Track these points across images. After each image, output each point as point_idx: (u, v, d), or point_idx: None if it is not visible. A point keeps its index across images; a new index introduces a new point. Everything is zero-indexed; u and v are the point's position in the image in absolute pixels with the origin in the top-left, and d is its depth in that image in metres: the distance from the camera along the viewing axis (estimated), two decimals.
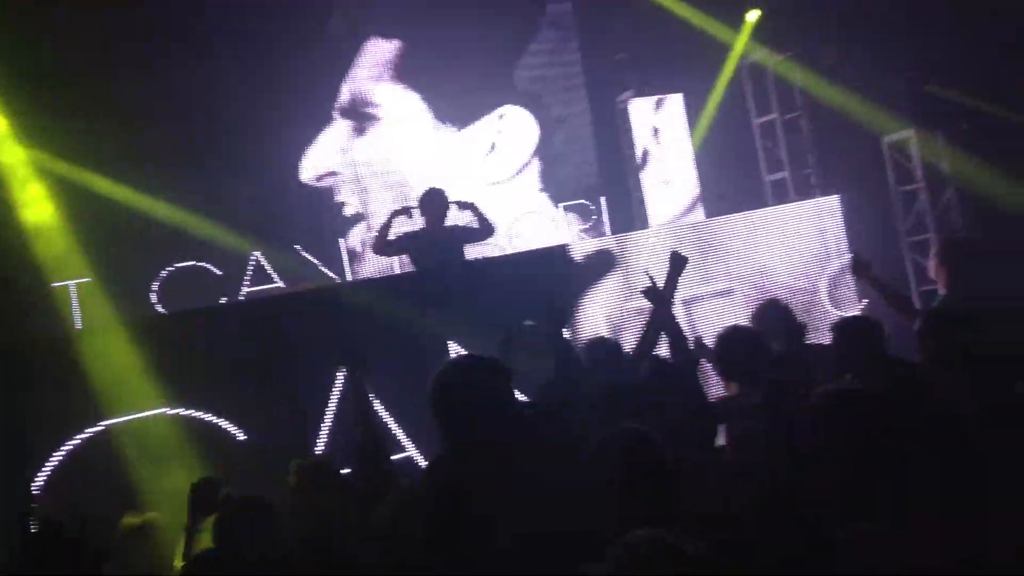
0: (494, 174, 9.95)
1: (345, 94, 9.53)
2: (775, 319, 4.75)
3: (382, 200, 9.40)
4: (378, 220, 9.24)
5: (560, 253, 6.69)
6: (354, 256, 9.22)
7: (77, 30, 7.77)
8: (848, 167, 9.60)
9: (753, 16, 10.16)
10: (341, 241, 9.13)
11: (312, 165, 9.30)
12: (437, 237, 7.11)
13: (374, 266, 9.20)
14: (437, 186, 7.29)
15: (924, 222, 9.44)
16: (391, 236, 7.22)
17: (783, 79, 10.17)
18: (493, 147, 10.02)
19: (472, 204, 7.28)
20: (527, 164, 10.16)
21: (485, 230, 7.23)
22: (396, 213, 7.29)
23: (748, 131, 10.44)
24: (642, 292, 4.48)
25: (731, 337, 4.19)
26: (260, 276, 8.17)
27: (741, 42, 10.33)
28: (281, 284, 8.14)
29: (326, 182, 9.36)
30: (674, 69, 10.19)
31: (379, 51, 9.65)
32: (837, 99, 9.64)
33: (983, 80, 8.93)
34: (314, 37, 9.17)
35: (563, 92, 10.39)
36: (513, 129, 10.12)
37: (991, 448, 2.47)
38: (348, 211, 9.42)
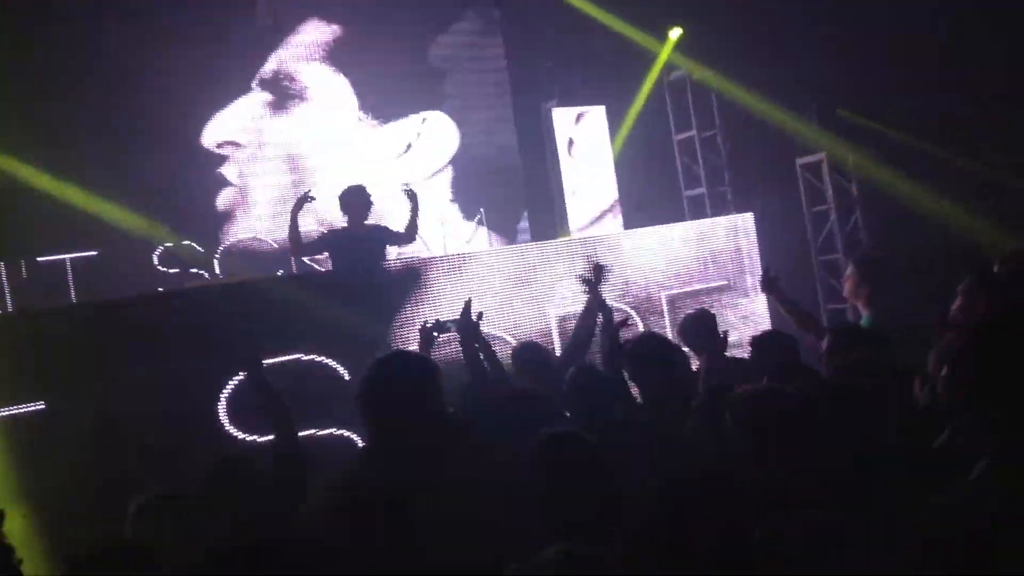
0: (405, 175, 9.77)
1: (271, 65, 9.30)
2: (699, 331, 4.80)
3: (277, 180, 9.19)
4: (258, 196, 9.07)
5: (481, 258, 6.63)
6: (224, 219, 8.95)
7: None
8: (763, 186, 9.82)
9: (675, 34, 10.35)
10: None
11: (217, 130, 8.95)
12: (358, 235, 6.96)
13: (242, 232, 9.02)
14: (359, 183, 7.14)
15: (834, 243, 9.71)
16: (305, 234, 7.06)
17: (702, 97, 10.35)
18: (409, 147, 9.91)
19: (415, 196, 7.13)
20: (441, 170, 10.07)
21: (409, 234, 7.10)
22: (298, 205, 7.04)
23: (670, 146, 10.59)
24: (582, 280, 4.80)
25: (646, 345, 4.17)
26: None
27: (662, 58, 10.50)
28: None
29: (225, 150, 9.02)
30: (599, 80, 10.32)
31: (316, 31, 9.49)
32: (754, 119, 9.87)
33: (889, 106, 9.25)
34: (242, 19, 9.01)
35: (488, 96, 10.39)
36: (433, 134, 10.04)
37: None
38: (236, 181, 9.09)
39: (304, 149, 9.36)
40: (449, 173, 10.09)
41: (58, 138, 7.67)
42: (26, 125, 7.55)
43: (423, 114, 9.96)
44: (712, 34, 9.90)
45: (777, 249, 8.35)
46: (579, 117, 10.29)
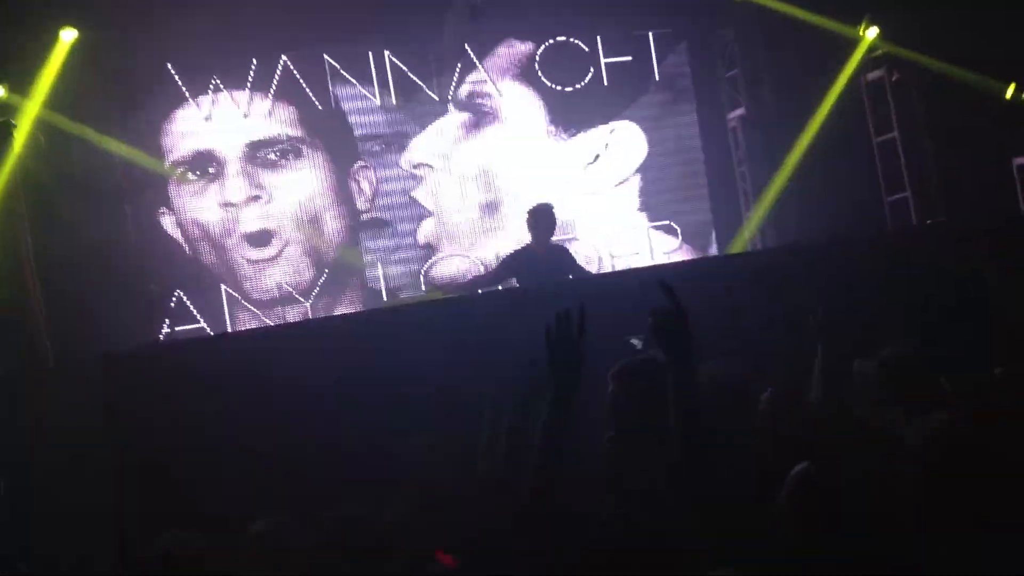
0: (592, 185, 9.89)
1: (466, 87, 9.61)
2: None
3: (469, 197, 9.55)
4: (452, 211, 9.46)
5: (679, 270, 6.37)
6: (429, 249, 9.43)
7: None
8: (974, 190, 9.10)
9: (872, 33, 9.81)
10: None
11: (417, 150, 9.41)
12: (542, 254, 6.95)
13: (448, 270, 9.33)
14: (547, 202, 7.13)
15: None
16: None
17: (903, 97, 9.72)
18: (596, 158, 9.92)
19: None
20: (627, 179, 10.02)
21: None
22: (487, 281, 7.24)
23: (869, 150, 10.00)
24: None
25: None
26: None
27: (856, 58, 9.98)
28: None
29: (421, 171, 9.44)
30: (787, 86, 9.88)
31: (511, 50, 9.77)
32: (961, 119, 9.19)
33: None
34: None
35: (674, 108, 10.25)
36: (621, 143, 10.02)
37: None
38: (429, 203, 9.46)
39: (495, 166, 9.61)
40: (637, 182, 10.00)
41: None
42: None
43: (612, 124, 9.91)
44: (910, 32, 9.33)
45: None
46: (761, 124, 9.96)
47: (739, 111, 10.15)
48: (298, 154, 9.17)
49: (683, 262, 9.22)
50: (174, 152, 8.90)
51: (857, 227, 9.13)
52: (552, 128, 9.83)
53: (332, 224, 9.26)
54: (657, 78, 10.12)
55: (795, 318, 4.08)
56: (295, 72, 9.07)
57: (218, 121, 8.96)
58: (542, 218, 6.97)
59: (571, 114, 9.84)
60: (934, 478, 2.25)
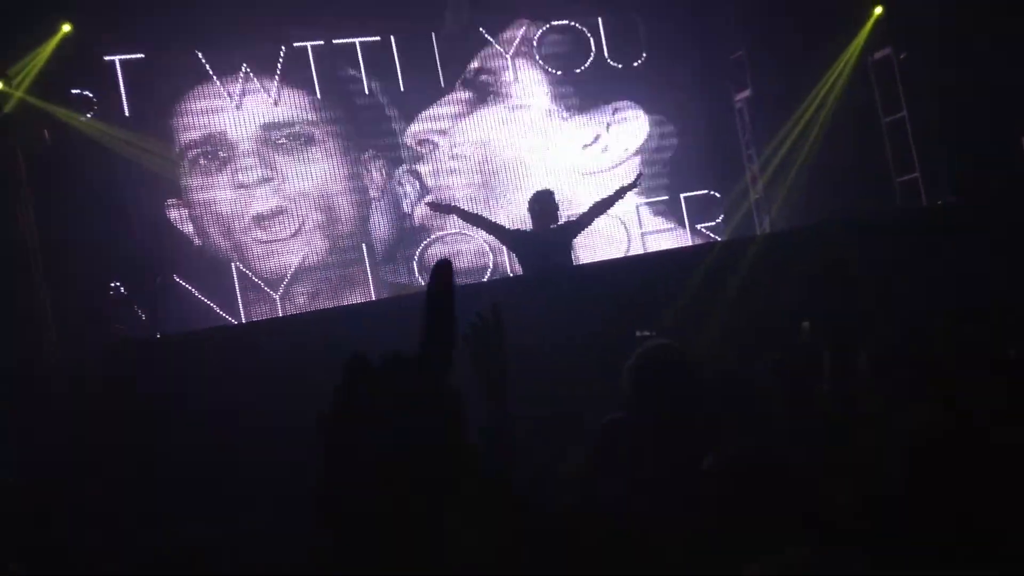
0: (590, 165, 9.85)
1: (472, 66, 9.64)
2: None
3: (466, 175, 9.55)
4: (450, 188, 9.43)
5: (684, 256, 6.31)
6: (424, 232, 9.36)
7: None
8: (983, 168, 8.98)
9: (878, 11, 9.69)
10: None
11: (420, 128, 9.43)
12: (543, 240, 6.90)
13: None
14: (547, 188, 7.08)
15: None
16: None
17: (913, 76, 9.60)
18: (596, 139, 9.88)
19: (636, 184, 7.34)
20: (625, 161, 9.92)
21: (596, 208, 7.09)
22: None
23: (878, 130, 9.88)
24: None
25: None
26: None
27: (862, 37, 9.87)
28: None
29: (424, 148, 9.42)
30: (792, 65, 9.76)
31: (516, 31, 9.82)
32: (970, 98, 9.05)
33: None
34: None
35: (679, 88, 10.14)
36: (622, 125, 10.00)
37: None
38: (429, 180, 9.43)
39: (496, 144, 9.62)
40: (636, 164, 9.89)
41: None
42: None
43: (614, 104, 9.85)
44: (916, 9, 9.20)
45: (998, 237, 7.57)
46: (768, 104, 9.84)
47: (745, 92, 10.05)
48: (310, 139, 9.11)
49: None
50: (185, 135, 8.78)
51: (867, 208, 9.06)
52: (554, 107, 9.85)
53: (344, 210, 9.18)
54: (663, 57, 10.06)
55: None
56: (305, 59, 9.11)
57: (233, 107, 8.91)
58: (541, 204, 6.92)
59: (574, 95, 9.87)
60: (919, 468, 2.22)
